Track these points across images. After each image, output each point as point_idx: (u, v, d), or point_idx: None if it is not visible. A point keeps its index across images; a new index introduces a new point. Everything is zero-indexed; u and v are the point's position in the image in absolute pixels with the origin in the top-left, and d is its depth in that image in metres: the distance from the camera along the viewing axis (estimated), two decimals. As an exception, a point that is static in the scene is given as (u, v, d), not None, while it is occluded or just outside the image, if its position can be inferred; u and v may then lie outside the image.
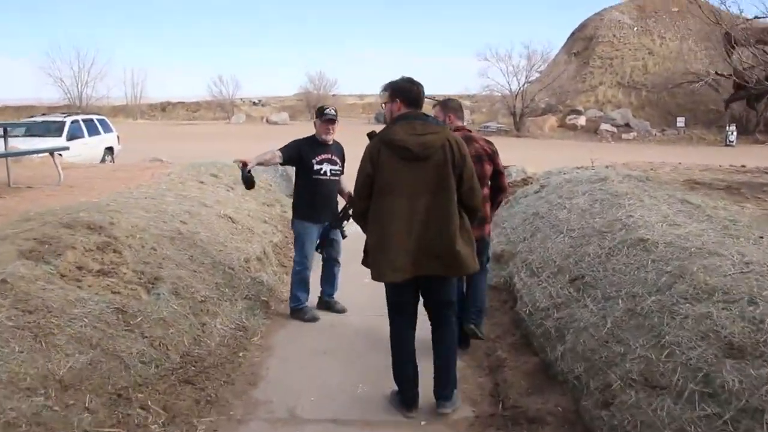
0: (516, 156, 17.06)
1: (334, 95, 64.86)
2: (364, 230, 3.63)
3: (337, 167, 5.34)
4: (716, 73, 19.07)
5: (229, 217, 7.04)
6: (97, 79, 56.95)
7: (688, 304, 3.35)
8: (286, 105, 64.98)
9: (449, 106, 4.61)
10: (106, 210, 5.73)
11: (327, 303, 5.58)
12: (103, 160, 16.45)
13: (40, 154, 12.32)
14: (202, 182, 8.38)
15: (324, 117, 5.27)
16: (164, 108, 69.37)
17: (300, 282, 5.37)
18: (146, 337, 3.83)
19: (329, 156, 5.29)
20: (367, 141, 3.62)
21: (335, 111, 5.35)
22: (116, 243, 4.84)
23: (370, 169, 3.43)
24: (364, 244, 3.66)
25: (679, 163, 9.67)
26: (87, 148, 15.93)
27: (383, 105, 3.65)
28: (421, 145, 3.38)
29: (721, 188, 6.68)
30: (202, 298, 4.71)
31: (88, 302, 3.78)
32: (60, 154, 14.17)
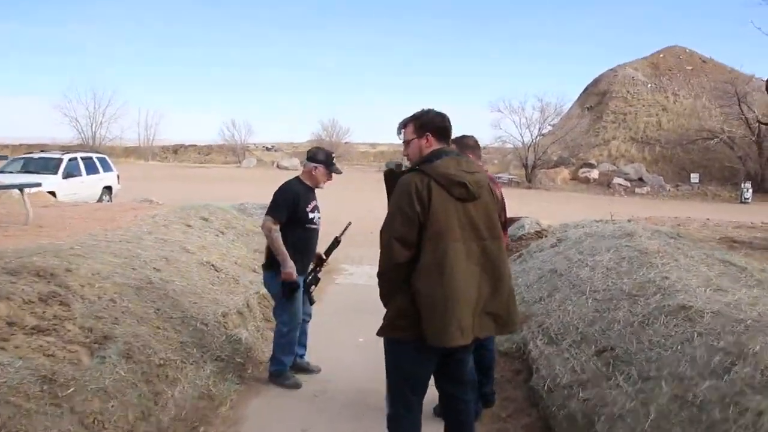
0: (528, 208, 16.46)
1: (346, 143, 65.06)
2: (393, 289, 2.81)
3: (319, 213, 4.78)
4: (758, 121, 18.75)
5: (212, 265, 6.37)
6: (111, 120, 57.88)
7: (758, 396, 2.60)
8: (299, 151, 65.00)
9: (466, 143, 3.91)
10: (67, 254, 5.08)
11: (300, 365, 4.85)
12: (100, 200, 15.94)
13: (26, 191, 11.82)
14: (189, 225, 7.74)
15: (333, 168, 4.71)
16: (176, 150, 69.65)
17: (288, 345, 4.66)
18: (77, 412, 3.10)
19: (316, 202, 4.73)
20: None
21: None
22: (66, 293, 4.16)
23: (419, 210, 2.70)
24: (396, 306, 2.81)
25: (707, 219, 8.96)
26: (84, 187, 15.46)
27: (407, 143, 3.02)
28: (476, 183, 2.80)
29: (764, 247, 5.97)
30: (161, 361, 3.98)
31: (6, 369, 3.07)
32: (53, 192, 13.78)
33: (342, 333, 5.99)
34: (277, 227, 4.45)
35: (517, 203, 24.59)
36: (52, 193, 13.87)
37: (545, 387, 3.87)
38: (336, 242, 4.84)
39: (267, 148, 70.31)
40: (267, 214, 4.51)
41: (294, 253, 4.55)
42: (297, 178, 4.68)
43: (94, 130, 58.65)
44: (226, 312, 5.37)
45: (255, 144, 69.47)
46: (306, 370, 4.81)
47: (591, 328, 4.25)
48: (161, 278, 5.35)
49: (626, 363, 3.57)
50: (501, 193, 3.94)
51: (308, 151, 4.80)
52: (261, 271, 6.96)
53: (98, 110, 58.08)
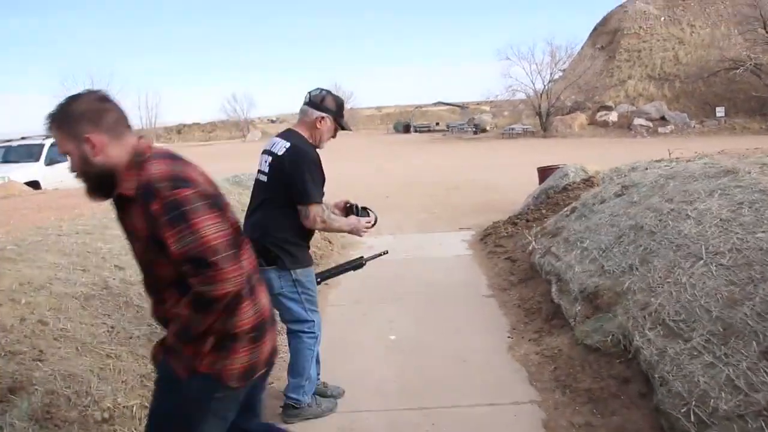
0: (552, 157, 14.97)
1: (351, 108, 63.60)
2: None
3: None
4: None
5: (197, 254, 5.04)
6: None
7: None
8: (303, 121, 63.58)
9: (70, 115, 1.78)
10: (-8, 258, 3.77)
11: (316, 389, 3.48)
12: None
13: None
14: (171, 206, 6.40)
15: (343, 122, 3.31)
16: (180, 130, 68.84)
17: (314, 359, 3.33)
18: None
19: None
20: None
21: None
22: (-34, 320, 2.86)
23: None
24: None
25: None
26: (71, 173, 14.10)
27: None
28: None
29: None
30: (107, 413, 2.68)
31: None
32: (34, 182, 12.52)
33: (367, 330, 4.67)
34: (326, 207, 3.17)
35: (539, 153, 23.08)
36: (34, 184, 12.62)
37: (690, 415, 2.50)
38: (357, 264, 3.58)
39: (271, 120, 69.30)
40: (306, 203, 3.05)
41: (301, 240, 3.20)
42: (301, 136, 3.18)
43: (95, 116, 58.03)
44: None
45: (259, 117, 68.53)
46: (323, 394, 3.48)
47: (736, 312, 2.87)
48: (123, 279, 4.04)
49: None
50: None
51: (310, 95, 3.25)
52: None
53: (96, 96, 57.36)
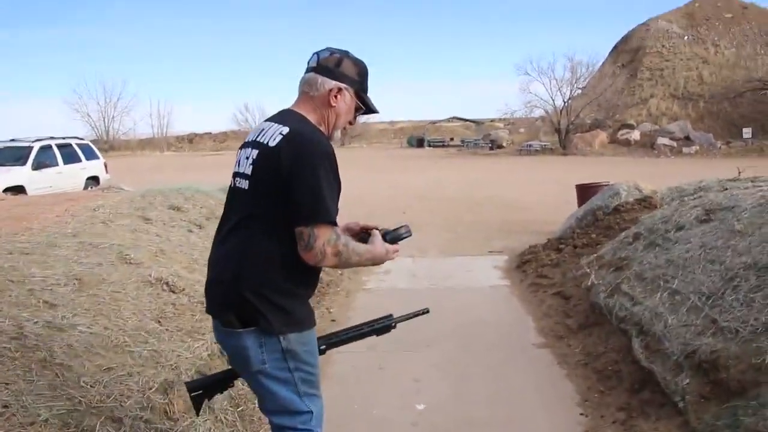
0: (576, 175, 13.84)
1: (363, 122, 62.84)
2: None
3: None
4: None
5: (166, 283, 3.88)
6: (123, 113, 57.50)
7: None
8: (315, 132, 63.03)
9: None
10: None
11: None
12: (84, 193, 13.62)
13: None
14: (146, 219, 5.28)
15: (368, 100, 2.11)
16: (191, 140, 68.39)
17: None
18: None
19: None
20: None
21: None
22: None
23: None
24: None
25: None
26: (61, 178, 13.06)
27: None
28: None
29: None
30: None
31: None
32: (19, 186, 11.52)
33: (385, 393, 3.49)
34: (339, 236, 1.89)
35: (561, 170, 21.90)
36: (19, 189, 11.59)
37: None
38: (383, 327, 2.36)
39: (283, 132, 68.93)
40: (311, 222, 1.81)
41: (301, 286, 1.95)
42: (303, 119, 1.94)
43: (107, 124, 58.29)
44: (171, 381, 2.87)
45: (271, 128, 68.34)
46: None
47: None
48: (49, 324, 2.88)
49: None
50: None
51: (318, 56, 2.01)
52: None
53: (109, 104, 57.65)
